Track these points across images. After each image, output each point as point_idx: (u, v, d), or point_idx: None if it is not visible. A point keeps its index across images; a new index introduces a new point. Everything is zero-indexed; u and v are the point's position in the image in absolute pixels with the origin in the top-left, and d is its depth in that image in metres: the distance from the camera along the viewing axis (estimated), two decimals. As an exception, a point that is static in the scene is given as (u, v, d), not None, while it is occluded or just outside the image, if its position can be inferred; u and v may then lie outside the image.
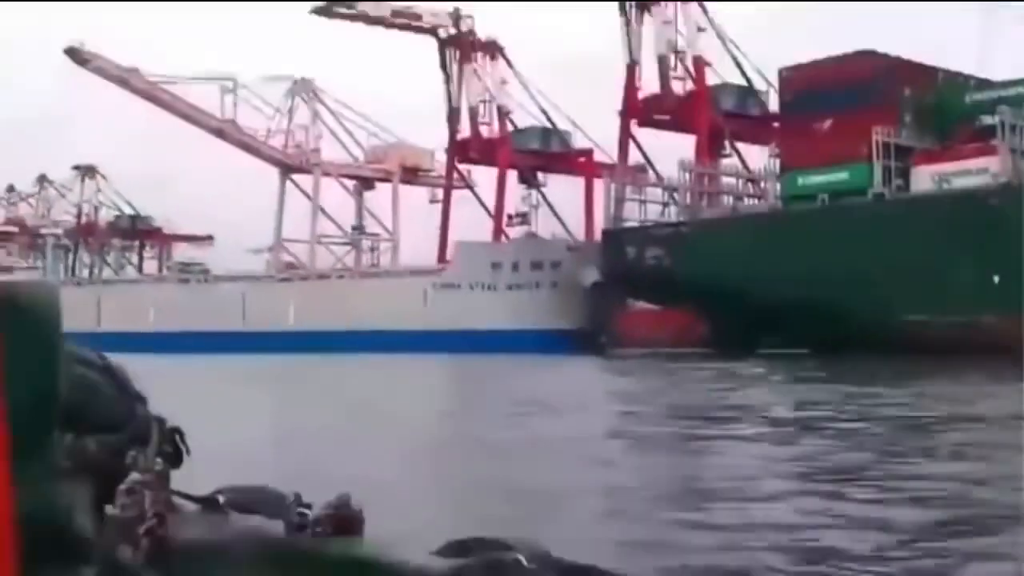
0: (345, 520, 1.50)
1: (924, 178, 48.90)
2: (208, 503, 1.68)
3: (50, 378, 1.47)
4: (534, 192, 78.23)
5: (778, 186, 54.91)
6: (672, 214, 62.42)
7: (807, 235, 48.49)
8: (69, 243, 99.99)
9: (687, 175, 61.24)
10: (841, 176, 49.60)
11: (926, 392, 23.32)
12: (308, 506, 1.54)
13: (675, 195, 62.19)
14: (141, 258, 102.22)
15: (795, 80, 52.95)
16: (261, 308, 73.04)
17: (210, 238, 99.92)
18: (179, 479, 1.64)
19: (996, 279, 42.98)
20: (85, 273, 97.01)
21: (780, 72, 54.96)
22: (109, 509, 1.57)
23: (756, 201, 61.86)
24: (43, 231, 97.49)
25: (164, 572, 1.50)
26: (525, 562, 1.27)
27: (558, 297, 65.52)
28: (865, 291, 45.40)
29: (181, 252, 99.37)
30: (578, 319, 64.13)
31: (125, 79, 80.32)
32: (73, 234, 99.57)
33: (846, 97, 48.02)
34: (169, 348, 58.51)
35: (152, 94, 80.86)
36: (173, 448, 1.75)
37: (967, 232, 43.36)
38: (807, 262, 47.32)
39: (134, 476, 1.59)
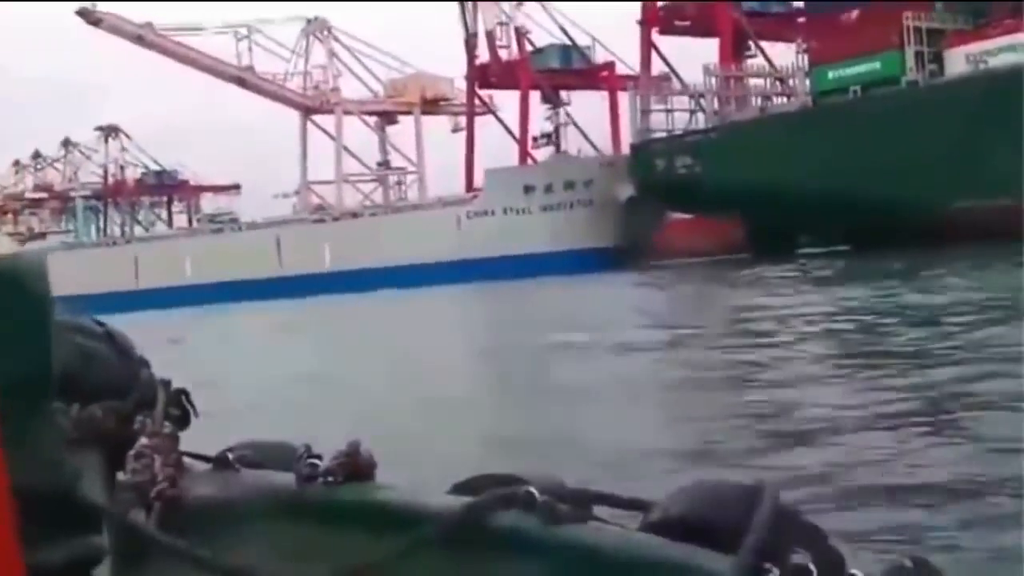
0: (356, 467, 1.49)
1: (958, 60, 47.47)
2: (218, 462, 1.69)
3: (41, 349, 1.54)
4: (562, 111, 76.80)
5: (808, 82, 53.58)
6: (699, 121, 61.41)
7: (840, 129, 47.50)
8: (98, 204, 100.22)
9: (713, 80, 59.99)
10: (873, 66, 48.34)
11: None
12: (319, 457, 1.52)
13: (702, 101, 61.05)
14: (170, 213, 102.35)
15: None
16: (296, 252, 72.52)
17: (237, 187, 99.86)
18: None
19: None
20: (117, 232, 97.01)
21: (802, -36, 52.99)
22: (120, 475, 1.65)
23: (785, 100, 60.55)
24: (72, 194, 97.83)
25: (178, 533, 1.52)
26: (538, 494, 1.27)
27: (594, 215, 64.70)
28: (903, 182, 44.47)
29: (209, 203, 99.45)
30: (616, 235, 63.48)
31: (140, 35, 79.57)
32: (101, 195, 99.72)
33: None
34: (208, 300, 58.53)
35: (167, 48, 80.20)
36: (180, 410, 1.82)
37: (1005, 113, 42.07)
38: (842, 157, 46.46)
39: (143, 441, 1.66)
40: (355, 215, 78.13)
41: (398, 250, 66.06)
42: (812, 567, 1.07)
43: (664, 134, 60.77)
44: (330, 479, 1.49)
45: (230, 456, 1.69)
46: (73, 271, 77.88)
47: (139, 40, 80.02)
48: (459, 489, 1.43)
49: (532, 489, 1.29)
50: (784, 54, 66.21)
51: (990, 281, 22.65)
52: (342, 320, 35.40)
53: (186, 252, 77.81)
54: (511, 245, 63.11)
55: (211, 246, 77.80)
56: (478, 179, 77.18)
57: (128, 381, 1.79)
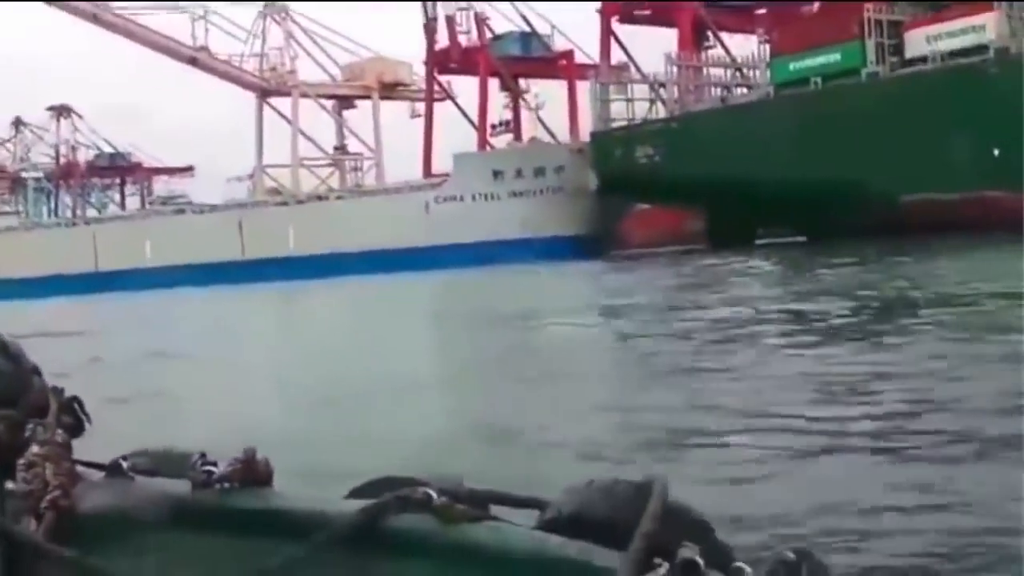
0: (252, 472, 1.48)
1: (918, 42, 47.69)
2: (112, 470, 1.65)
3: None
4: (536, 96, 76.17)
5: (769, 73, 53.65)
6: (660, 111, 61.51)
7: (801, 120, 47.73)
8: (49, 186, 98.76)
9: (674, 69, 60.07)
10: (833, 57, 48.49)
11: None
12: (214, 463, 1.51)
13: (663, 91, 61.14)
14: (123, 195, 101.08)
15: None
16: (260, 235, 71.43)
17: (190, 169, 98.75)
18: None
19: (996, 152, 42.30)
20: (68, 214, 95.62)
21: (767, -47, 53.08)
22: (10, 484, 1.58)
23: (743, 91, 60.77)
24: (23, 175, 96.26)
25: (69, 543, 1.50)
26: (435, 495, 1.30)
27: (564, 202, 64.09)
28: (863, 173, 44.76)
29: (162, 186, 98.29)
30: (584, 224, 63.11)
31: (94, 14, 78.37)
32: (53, 176, 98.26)
33: (835, -25, 46.98)
34: (169, 283, 57.73)
35: (123, 27, 78.99)
36: (73, 418, 1.75)
37: (965, 106, 42.56)
38: (801, 148, 46.72)
39: (34, 449, 1.61)
40: (320, 198, 77.32)
41: (365, 235, 65.18)
42: (700, 560, 1.11)
43: (625, 123, 60.78)
44: (226, 485, 1.48)
45: (124, 464, 1.65)
46: (30, 252, 77.13)
47: (94, 19, 78.85)
48: (357, 493, 1.44)
49: (430, 490, 1.31)
50: (743, 46, 66.70)
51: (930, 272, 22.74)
52: (293, 307, 34.95)
53: (146, 234, 76.43)
54: (479, 231, 62.47)
55: (172, 228, 76.63)
56: (436, 165, 77.11)
57: (18, 389, 1.75)
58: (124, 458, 1.67)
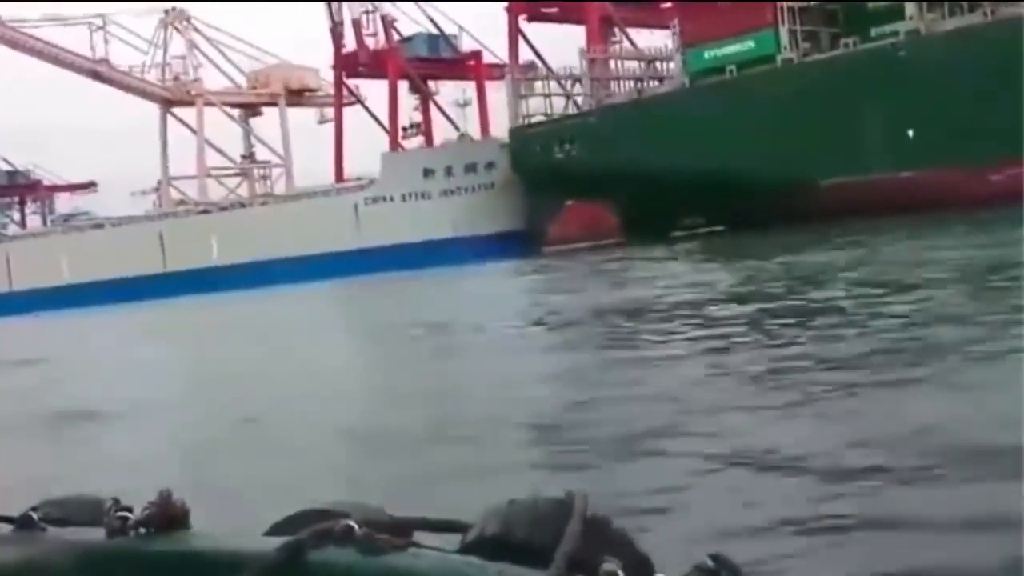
0: (169, 516, 1.46)
1: None
2: (22, 522, 1.60)
3: None
4: (470, 94, 75.45)
5: (683, 63, 53.91)
6: (574, 106, 61.70)
7: (717, 109, 48.12)
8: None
9: (586, 63, 60.27)
10: (748, 45, 49.08)
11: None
12: (129, 508, 1.50)
13: (578, 85, 61.32)
14: (23, 214, 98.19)
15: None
16: (182, 246, 69.45)
17: (93, 185, 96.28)
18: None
19: (910, 134, 43.13)
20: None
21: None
22: None
23: (657, 83, 61.14)
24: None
25: None
26: (357, 527, 1.29)
27: (496, 199, 63.63)
28: (779, 160, 45.32)
29: (65, 204, 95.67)
30: (516, 219, 62.74)
31: (-14, 27, 76.05)
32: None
33: (747, -37, 47.41)
34: (87, 301, 56.08)
35: (14, 40, 76.68)
36: None
37: (878, 88, 43.32)
38: (719, 137, 47.08)
39: None
40: (243, 205, 75.79)
41: (292, 240, 63.92)
42: (621, 573, 1.12)
43: (543, 118, 60.86)
44: (142, 531, 1.44)
45: (34, 515, 1.58)
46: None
47: (-14, 33, 76.52)
48: (277, 529, 1.40)
49: (351, 522, 1.29)
50: (648, 41, 67.29)
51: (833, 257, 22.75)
52: (203, 321, 33.79)
53: (62, 250, 74.15)
54: (410, 232, 61.78)
55: (89, 244, 74.42)
56: (347, 169, 76.40)
57: None
58: (34, 509, 1.60)
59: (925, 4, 45.27)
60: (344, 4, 76.37)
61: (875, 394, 7.30)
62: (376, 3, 76.38)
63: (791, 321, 12.24)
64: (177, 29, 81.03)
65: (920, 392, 7.24)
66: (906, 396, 7.14)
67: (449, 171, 65.39)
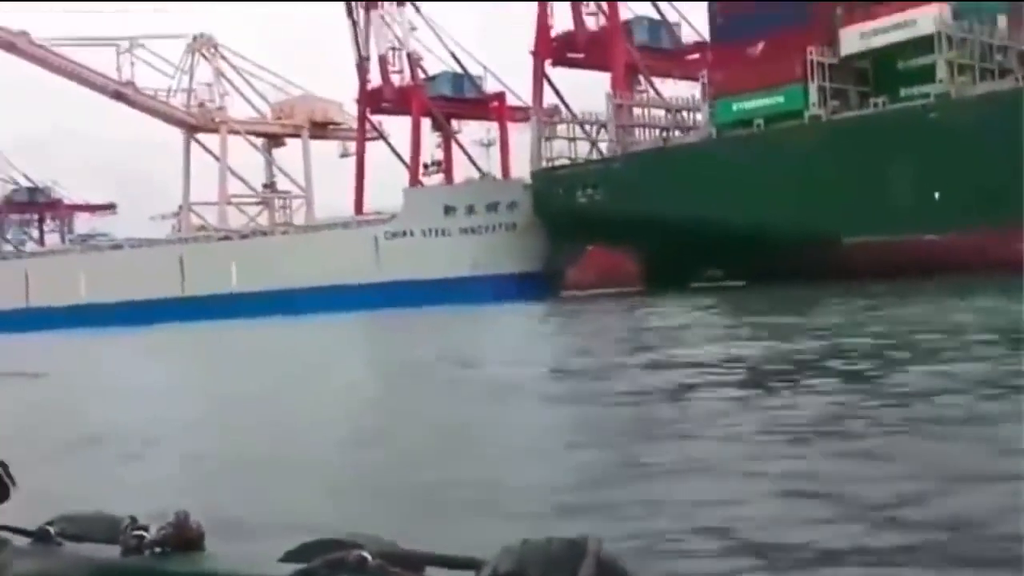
0: (184, 537, 1.47)
1: (852, 38, 48.53)
2: (39, 536, 1.62)
3: None
4: (494, 134, 75.71)
5: (711, 113, 53.89)
6: (598, 151, 61.77)
7: (743, 162, 48.05)
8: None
9: (612, 107, 60.35)
10: (776, 100, 49.02)
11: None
12: (145, 527, 1.52)
13: (603, 131, 61.40)
14: (42, 232, 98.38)
15: (725, 3, 51.64)
16: (201, 271, 69.47)
17: (112, 206, 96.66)
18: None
19: (937, 196, 43.01)
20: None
21: (710, -5, 53.21)
22: None
23: (678, 133, 61.20)
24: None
25: None
26: (370, 558, 1.31)
27: (517, 239, 63.29)
28: (802, 216, 45.17)
29: (83, 224, 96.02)
30: (536, 261, 62.44)
31: (12, 43, 76.50)
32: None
33: (777, 18, 47.39)
34: (104, 321, 56.06)
35: (44, 59, 77.21)
36: None
37: (906, 149, 43.24)
38: (744, 189, 46.97)
39: None
40: (264, 233, 75.91)
41: (311, 271, 63.77)
42: None
43: (567, 161, 60.96)
44: (157, 550, 1.45)
45: (51, 529, 1.60)
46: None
47: (11, 48, 77.03)
48: (291, 556, 1.41)
49: (364, 553, 1.30)
50: (671, 91, 67.46)
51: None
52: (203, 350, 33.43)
53: (81, 269, 74.20)
54: (430, 268, 61.57)
55: (108, 264, 74.45)
56: (366, 203, 76.59)
57: None
58: (51, 523, 1.62)
59: (956, 67, 45.33)
60: (371, 40, 76.99)
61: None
62: (403, 39, 76.97)
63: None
64: (204, 56, 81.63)
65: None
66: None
67: (471, 209, 65.18)
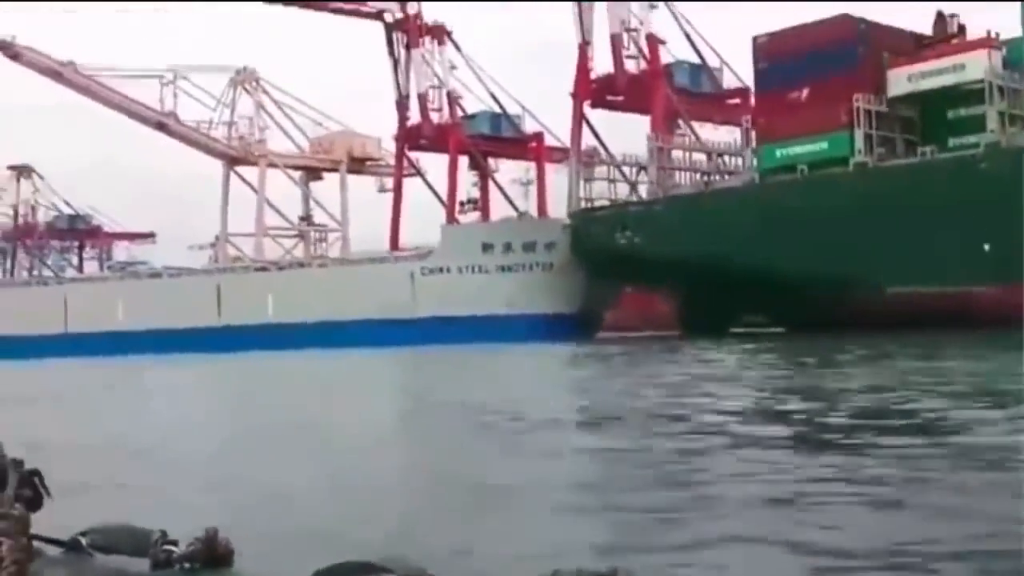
0: (213, 553, 1.50)
1: (900, 80, 48.29)
2: (71, 546, 1.65)
3: None
4: (532, 174, 75.88)
5: (754, 159, 53.74)
6: (636, 193, 61.66)
7: (786, 208, 47.65)
8: (6, 246, 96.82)
9: (654, 151, 60.21)
10: (821, 146, 48.58)
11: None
12: (175, 542, 1.55)
13: (643, 174, 61.27)
14: (81, 258, 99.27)
15: (770, 48, 51.33)
16: (238, 301, 69.98)
17: (152, 235, 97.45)
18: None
19: (987, 247, 42.54)
20: (24, 275, 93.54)
21: (754, 40, 52.74)
22: None
23: (719, 177, 61.00)
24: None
25: None
26: None
27: (554, 279, 63.17)
28: (848, 263, 44.77)
29: (122, 252, 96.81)
30: (575, 302, 62.26)
31: (59, 72, 77.63)
32: (11, 236, 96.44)
33: (824, 63, 47.19)
34: (140, 348, 56.31)
35: (89, 88, 78.27)
36: (32, 492, 1.72)
37: (955, 199, 42.78)
38: (786, 236, 46.57)
39: None
40: (301, 265, 76.25)
41: (347, 304, 63.93)
42: None
43: (607, 202, 60.84)
44: (186, 566, 1.47)
45: (83, 540, 1.63)
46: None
47: (58, 77, 78.04)
48: None
49: None
50: (711, 136, 67.26)
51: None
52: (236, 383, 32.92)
53: (119, 296, 74.95)
54: (466, 305, 61.51)
55: (146, 291, 75.17)
56: (402, 239, 76.72)
57: None
58: (83, 534, 1.63)
59: (1008, 117, 45.01)
60: (412, 78, 77.47)
61: None
62: (443, 77, 77.46)
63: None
64: (246, 90, 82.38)
65: None
66: None
67: (508, 247, 65.12)
